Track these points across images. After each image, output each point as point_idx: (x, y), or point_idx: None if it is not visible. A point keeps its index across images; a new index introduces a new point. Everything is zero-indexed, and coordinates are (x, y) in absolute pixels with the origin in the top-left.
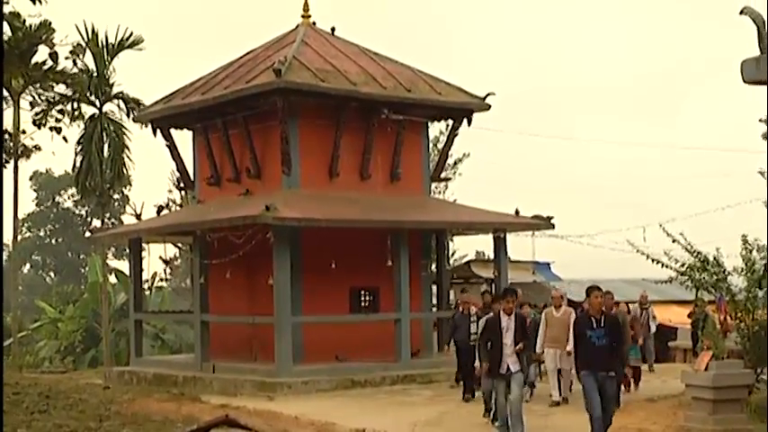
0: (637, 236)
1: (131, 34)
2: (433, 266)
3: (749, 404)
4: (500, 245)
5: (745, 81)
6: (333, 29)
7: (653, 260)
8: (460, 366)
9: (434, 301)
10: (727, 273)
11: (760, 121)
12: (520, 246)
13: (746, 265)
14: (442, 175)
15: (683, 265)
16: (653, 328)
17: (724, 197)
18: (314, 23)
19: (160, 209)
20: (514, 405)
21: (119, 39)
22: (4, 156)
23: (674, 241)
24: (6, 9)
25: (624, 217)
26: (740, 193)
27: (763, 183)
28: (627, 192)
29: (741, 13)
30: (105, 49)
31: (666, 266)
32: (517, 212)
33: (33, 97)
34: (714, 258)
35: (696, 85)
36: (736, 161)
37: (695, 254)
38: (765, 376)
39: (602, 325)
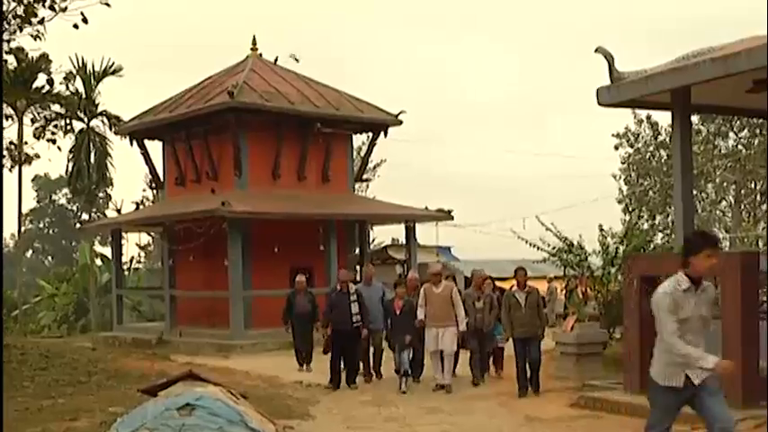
0: (518, 225)
1: (113, 63)
2: (357, 250)
3: (604, 356)
4: (410, 232)
5: (599, 104)
6: (276, 59)
7: (530, 244)
8: (335, 353)
9: (357, 278)
10: (587, 254)
11: (612, 135)
12: (426, 233)
13: (602, 248)
14: (364, 177)
15: (553, 248)
16: None
17: (584, 194)
18: (260, 55)
19: (137, 205)
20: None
21: (103, 67)
22: (9, 162)
23: (547, 229)
24: (13, 44)
25: (508, 209)
26: (596, 191)
27: (613, 184)
28: (510, 189)
29: (596, 51)
30: (92, 76)
31: (541, 249)
32: (426, 208)
33: (34, 115)
34: (577, 243)
35: (562, 105)
36: (592, 167)
37: (563, 239)
38: (617, 335)
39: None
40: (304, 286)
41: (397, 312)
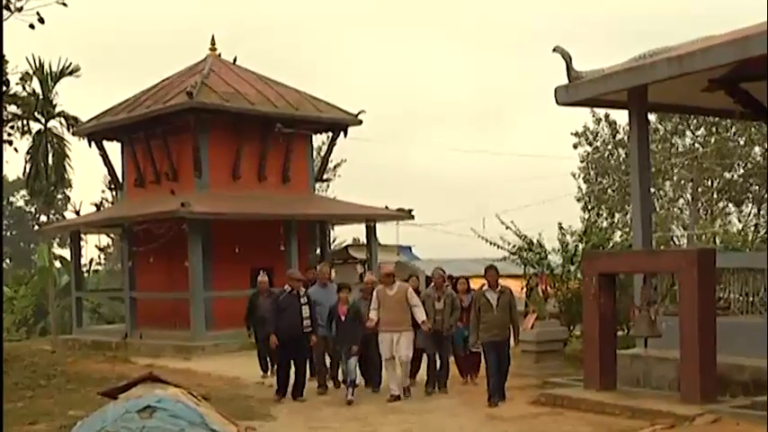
0: (478, 224)
1: (70, 64)
2: (318, 250)
3: (564, 354)
4: (371, 232)
5: (558, 103)
6: (235, 59)
7: (491, 243)
8: (282, 363)
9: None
10: (547, 252)
11: (571, 134)
12: (387, 232)
13: (562, 246)
14: (324, 177)
15: (513, 247)
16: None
17: (544, 193)
18: (219, 55)
19: (96, 206)
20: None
21: (60, 68)
22: None
23: (507, 228)
24: None
25: (469, 209)
26: (555, 190)
27: (572, 182)
28: (471, 188)
29: (554, 50)
30: (49, 76)
31: (501, 248)
32: (387, 207)
33: None
34: (537, 241)
35: (524, 104)
36: (551, 165)
37: (523, 238)
38: (577, 332)
39: None
40: (266, 287)
41: (342, 318)
